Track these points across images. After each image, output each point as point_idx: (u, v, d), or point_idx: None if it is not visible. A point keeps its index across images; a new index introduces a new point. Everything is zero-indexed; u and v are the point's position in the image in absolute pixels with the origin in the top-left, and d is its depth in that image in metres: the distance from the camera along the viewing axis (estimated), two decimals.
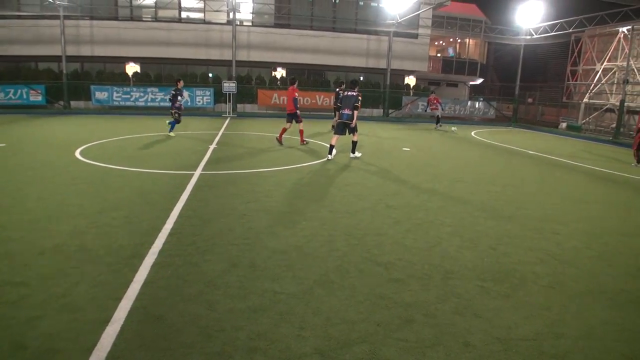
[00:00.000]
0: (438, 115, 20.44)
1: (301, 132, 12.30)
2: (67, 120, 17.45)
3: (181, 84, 13.19)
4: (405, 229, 5.31)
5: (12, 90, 20.97)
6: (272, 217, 5.51)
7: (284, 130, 12.07)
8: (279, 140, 12.03)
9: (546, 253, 4.75)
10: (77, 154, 9.60)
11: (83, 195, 6.28)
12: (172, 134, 13.05)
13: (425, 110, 21.76)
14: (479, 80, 34.47)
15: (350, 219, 5.60)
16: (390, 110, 24.92)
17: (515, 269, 4.26)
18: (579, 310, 3.52)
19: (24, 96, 20.84)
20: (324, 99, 23.58)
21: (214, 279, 3.74)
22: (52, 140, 11.78)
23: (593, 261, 4.63)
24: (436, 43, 36.16)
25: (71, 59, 23.12)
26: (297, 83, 12.14)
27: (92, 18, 23.42)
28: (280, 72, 25.55)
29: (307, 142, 12.35)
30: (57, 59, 22.87)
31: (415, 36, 26.24)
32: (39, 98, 21.38)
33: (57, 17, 22.13)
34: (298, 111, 11.89)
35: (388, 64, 25.12)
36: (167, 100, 14.37)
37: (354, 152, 10.53)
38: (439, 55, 36.25)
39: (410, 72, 27.64)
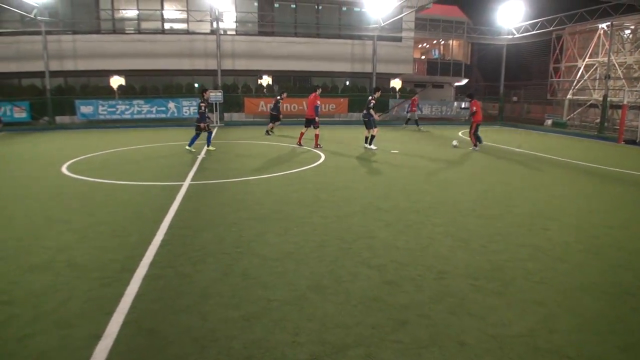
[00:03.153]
0: (416, 119, 20.59)
1: (317, 136, 12.96)
2: (52, 136, 17.25)
3: (208, 94, 12.20)
4: (397, 230, 5.32)
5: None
6: (263, 225, 5.48)
7: (302, 134, 13.18)
8: (299, 144, 13.10)
9: (537, 249, 4.79)
10: (64, 169, 9.48)
11: (70, 210, 6.20)
12: (192, 148, 12.06)
13: (406, 112, 21.85)
14: (464, 81, 34.82)
15: (341, 223, 5.60)
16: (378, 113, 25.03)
17: (506, 266, 4.29)
18: (571, 305, 3.54)
19: (8, 113, 20.57)
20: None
21: (206, 289, 3.71)
22: (37, 156, 11.64)
23: (583, 255, 4.67)
24: (420, 45, 36.54)
25: (55, 74, 22.89)
26: (319, 91, 12.90)
27: (74, 32, 23.25)
28: (266, 80, 25.58)
29: (321, 146, 12.82)
30: (40, 74, 22.62)
31: (399, 39, 26.48)
32: (24, 114, 21.11)
33: (39, 33, 21.94)
34: (317, 118, 12.60)
35: (373, 67, 25.30)
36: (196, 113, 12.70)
37: (370, 144, 12.83)
38: (423, 57, 36.60)
39: (395, 75, 27.85)
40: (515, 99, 29.48)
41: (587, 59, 23.96)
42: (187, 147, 11.98)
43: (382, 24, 23.59)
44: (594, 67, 23.74)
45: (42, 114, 21.81)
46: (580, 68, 24.35)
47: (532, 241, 5.05)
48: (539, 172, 9.82)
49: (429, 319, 3.27)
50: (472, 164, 10.72)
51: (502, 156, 12.16)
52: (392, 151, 12.58)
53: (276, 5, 25.54)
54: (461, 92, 35.38)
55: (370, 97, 12.83)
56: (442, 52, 35.96)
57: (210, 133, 12.31)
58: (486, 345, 2.94)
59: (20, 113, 20.99)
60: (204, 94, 11.99)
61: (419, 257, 4.47)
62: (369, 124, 12.67)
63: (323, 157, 11.10)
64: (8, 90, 22.30)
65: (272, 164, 10.17)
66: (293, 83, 26.11)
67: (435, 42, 35.68)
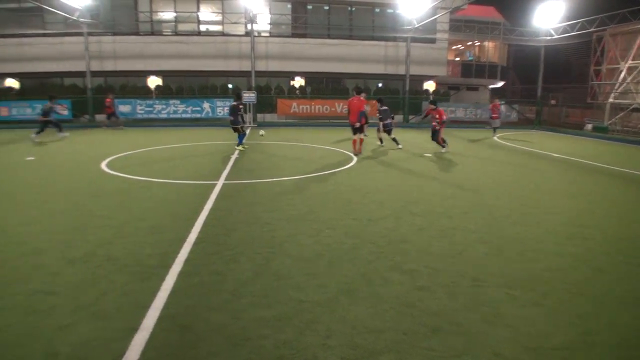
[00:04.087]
0: (497, 126, 18.79)
1: (361, 140, 12.20)
2: (92, 134, 17.90)
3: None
4: (430, 235, 5.25)
5: (40, 106, 21.62)
6: (295, 226, 5.52)
7: (355, 141, 12.03)
8: (359, 151, 12.04)
9: (576, 259, 4.63)
10: (103, 166, 9.82)
11: (109, 206, 6.41)
12: (241, 147, 12.43)
13: (490, 119, 19.21)
14: (500, 83, 34.01)
15: (373, 226, 5.56)
16: (410, 116, 24.79)
17: (544, 276, 4.15)
18: (611, 319, 3.40)
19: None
20: (343, 107, 23.60)
21: (239, 288, 3.76)
22: (79, 153, 12.10)
23: (625, 267, 4.48)
24: (454, 47, 35.90)
25: (95, 74, 23.79)
26: (364, 95, 12.21)
27: (114, 34, 24.07)
28: (298, 82, 25.73)
29: (361, 153, 12.16)
30: (81, 74, 23.56)
31: (433, 41, 26.12)
32: (65, 112, 22.01)
33: (80, 34, 22.83)
34: (358, 124, 11.73)
35: (407, 69, 25.06)
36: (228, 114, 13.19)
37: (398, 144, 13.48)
38: (457, 59, 35.96)
39: (429, 77, 27.49)
40: (553, 102, 28.58)
41: (629, 61, 22.95)
42: (237, 147, 12.30)
43: (416, 25, 23.34)
44: (637, 69, 22.73)
45: (83, 112, 22.69)
46: (622, 71, 23.36)
47: (571, 250, 4.88)
48: (578, 178, 9.48)
49: (462, 327, 3.21)
50: (506, 169, 10.46)
51: (538, 161, 11.80)
52: (425, 154, 12.41)
53: (309, 7, 25.68)
54: (497, 95, 34.60)
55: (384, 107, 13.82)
56: (477, 53, 35.23)
57: (243, 134, 12.52)
58: (522, 357, 2.86)
59: (62, 111, 21.89)
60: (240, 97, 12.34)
61: (452, 264, 4.39)
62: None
63: (355, 159, 11.07)
64: (51, 89, 23.29)
65: (305, 165, 10.22)
66: (325, 85, 26.17)
67: (470, 43, 35.00)
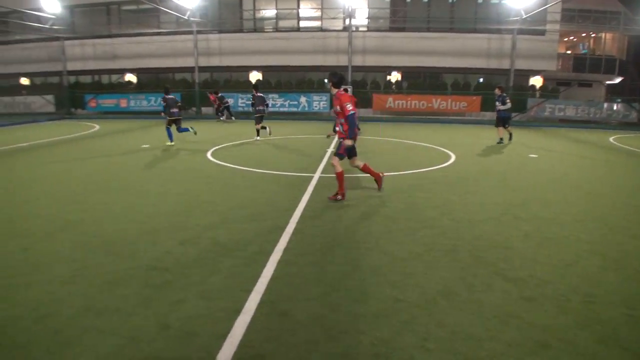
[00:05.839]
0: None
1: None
2: (198, 125, 19.25)
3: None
4: (536, 243, 4.87)
5: (154, 99, 23.91)
6: (391, 223, 5.45)
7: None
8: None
9: None
10: (209, 155, 10.56)
11: (215, 193, 6.87)
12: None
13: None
14: (618, 79, 30.50)
15: (473, 229, 5.31)
16: (513, 114, 23.24)
17: None
18: None
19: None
20: (441, 102, 22.86)
21: (335, 280, 3.80)
22: (186, 142, 13.11)
23: None
24: (566, 39, 32.81)
25: (202, 69, 25.61)
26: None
27: (220, 32, 25.66)
28: (395, 76, 25.37)
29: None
30: (190, 69, 25.52)
31: (543, 32, 24.13)
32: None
33: (190, 33, 24.67)
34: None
35: (511, 64, 23.51)
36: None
37: None
38: (569, 52, 32.86)
39: (536, 72, 25.51)
40: None
41: None
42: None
43: (524, 16, 21.74)
44: None
45: (191, 104, 24.57)
46: None
47: None
48: None
49: (573, 346, 2.93)
50: (624, 176, 9.37)
51: None
52: (531, 155, 11.56)
53: (408, 0, 25.13)
54: (613, 92, 31.12)
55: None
56: (592, 46, 31.89)
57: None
58: None
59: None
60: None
61: (562, 275, 4.03)
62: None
63: (453, 157, 10.66)
64: (163, 83, 25.56)
65: (400, 161, 10.07)
66: (423, 79, 25.49)
67: (584, 35, 31.78)
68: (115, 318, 3.19)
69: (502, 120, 13.56)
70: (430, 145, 12.71)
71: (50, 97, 26.79)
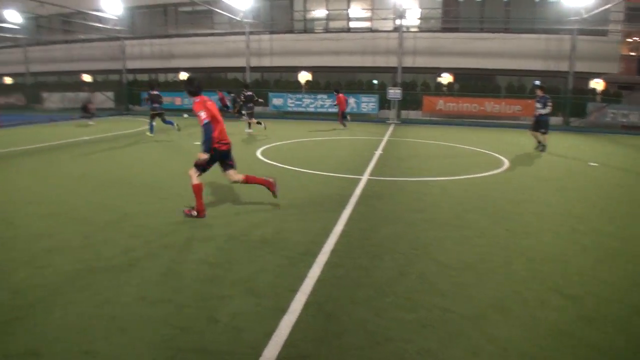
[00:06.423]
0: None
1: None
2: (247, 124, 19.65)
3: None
4: (596, 259, 4.59)
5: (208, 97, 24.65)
6: (441, 230, 5.32)
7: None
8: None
9: None
10: (258, 153, 10.75)
11: (264, 191, 6.92)
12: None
13: None
14: None
15: (529, 240, 5.07)
16: (571, 119, 22.12)
17: None
18: None
19: (216, 102, 24.27)
20: (494, 106, 22.11)
21: (382, 285, 3.75)
22: (238, 140, 13.39)
23: None
24: (630, 40, 30.72)
25: (254, 69, 26.12)
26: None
27: (271, 32, 26.07)
28: (446, 78, 24.79)
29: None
30: (242, 69, 26.09)
31: (604, 33, 22.68)
32: (228, 104, 24.65)
33: (243, 33, 25.23)
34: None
35: (570, 66, 22.34)
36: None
37: None
38: (633, 54, 30.76)
39: (596, 75, 24.08)
40: None
41: None
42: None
43: (584, 16, 20.58)
44: None
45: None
46: None
47: None
48: None
49: None
50: None
51: None
52: (590, 164, 10.93)
53: (461, 0, 24.48)
54: None
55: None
56: None
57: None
58: None
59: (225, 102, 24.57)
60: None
61: (625, 295, 3.77)
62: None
63: (507, 163, 10.26)
64: (217, 82, 26.35)
65: (451, 166, 9.81)
66: (475, 81, 24.74)
67: None
68: (168, 309, 3.30)
69: (541, 125, 12.39)
70: (482, 150, 12.30)
71: (110, 94, 28.25)
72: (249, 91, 15.92)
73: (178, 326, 3.07)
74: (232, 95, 20.22)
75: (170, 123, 13.64)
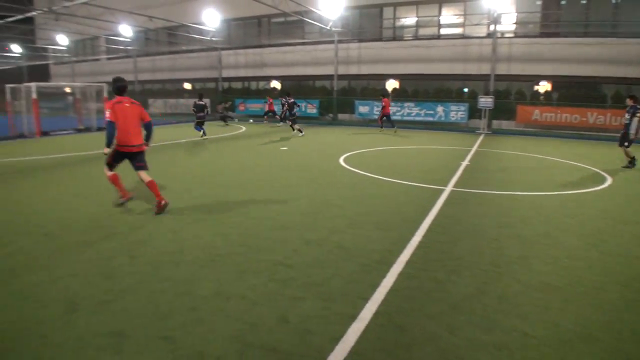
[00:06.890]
0: None
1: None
2: (334, 131, 20.00)
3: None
4: None
5: (302, 105, 25.51)
6: (527, 247, 4.98)
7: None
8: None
9: None
10: (341, 160, 10.88)
11: (343, 198, 7.04)
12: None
13: None
14: None
15: (626, 266, 4.55)
16: None
17: None
18: None
19: (303, 109, 25.00)
20: (597, 117, 20.21)
21: (458, 302, 3.61)
22: (322, 147, 13.70)
23: None
24: None
25: (341, 77, 26.49)
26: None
27: (360, 40, 26.25)
28: (543, 86, 23.15)
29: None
30: (329, 77, 26.58)
31: None
32: (314, 111, 25.36)
33: (331, 42, 25.72)
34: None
35: None
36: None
37: None
38: None
39: None
40: None
41: None
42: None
43: None
44: None
45: (328, 111, 25.66)
46: None
47: None
48: None
49: None
50: None
51: None
52: None
53: (563, 2, 22.71)
54: None
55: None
56: None
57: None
58: None
59: (311, 109, 25.32)
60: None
61: None
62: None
63: (609, 180, 9.31)
64: (305, 90, 27.15)
65: (544, 180, 9.13)
66: (577, 90, 22.79)
67: None
68: (241, 305, 3.47)
69: (625, 137, 10.99)
70: (582, 165, 11.29)
71: (207, 101, 30.39)
72: (291, 98, 17.44)
73: (249, 322, 3.22)
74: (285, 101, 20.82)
75: (199, 129, 15.69)
